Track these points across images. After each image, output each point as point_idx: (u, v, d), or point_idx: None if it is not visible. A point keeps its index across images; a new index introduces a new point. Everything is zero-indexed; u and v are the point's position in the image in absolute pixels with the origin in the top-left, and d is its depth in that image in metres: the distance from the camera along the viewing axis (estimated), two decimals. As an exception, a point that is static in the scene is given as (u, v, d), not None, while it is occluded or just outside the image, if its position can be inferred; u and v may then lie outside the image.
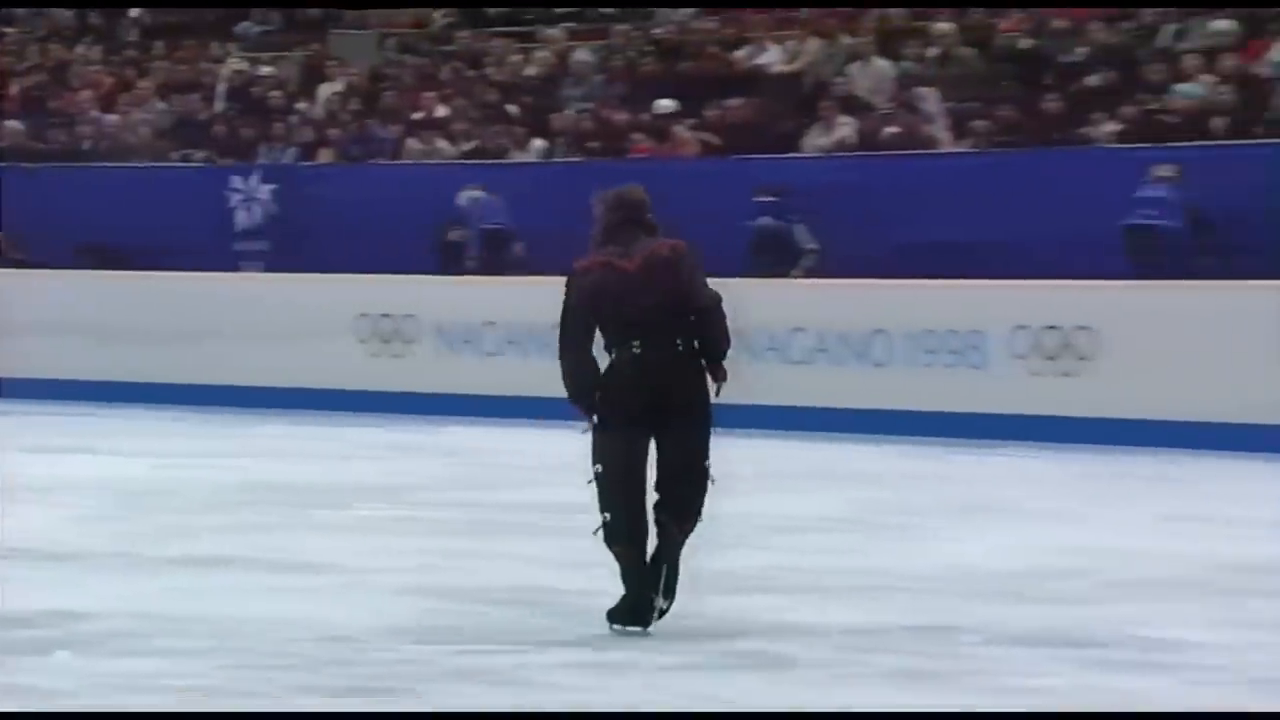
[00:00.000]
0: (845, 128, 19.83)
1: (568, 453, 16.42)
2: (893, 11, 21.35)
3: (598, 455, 9.15)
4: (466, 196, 20.38)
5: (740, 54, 21.76)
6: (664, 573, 9.03)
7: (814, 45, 21.19)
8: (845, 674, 8.55)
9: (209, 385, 19.84)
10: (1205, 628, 9.37)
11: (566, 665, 8.67)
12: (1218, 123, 17.84)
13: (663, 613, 9.01)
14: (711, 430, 9.20)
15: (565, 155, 21.29)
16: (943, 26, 20.52)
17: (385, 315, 19.87)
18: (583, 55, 22.73)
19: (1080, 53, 19.31)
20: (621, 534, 9.09)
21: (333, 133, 22.91)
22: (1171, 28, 19.15)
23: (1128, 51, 19.13)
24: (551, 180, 20.57)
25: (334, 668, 8.54)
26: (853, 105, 20.09)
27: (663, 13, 23.40)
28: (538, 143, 21.60)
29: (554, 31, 23.65)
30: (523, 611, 9.87)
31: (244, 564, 11.13)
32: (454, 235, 20.48)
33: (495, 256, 20.20)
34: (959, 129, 19.41)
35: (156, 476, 14.75)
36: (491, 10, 24.86)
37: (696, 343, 9.13)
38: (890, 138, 19.50)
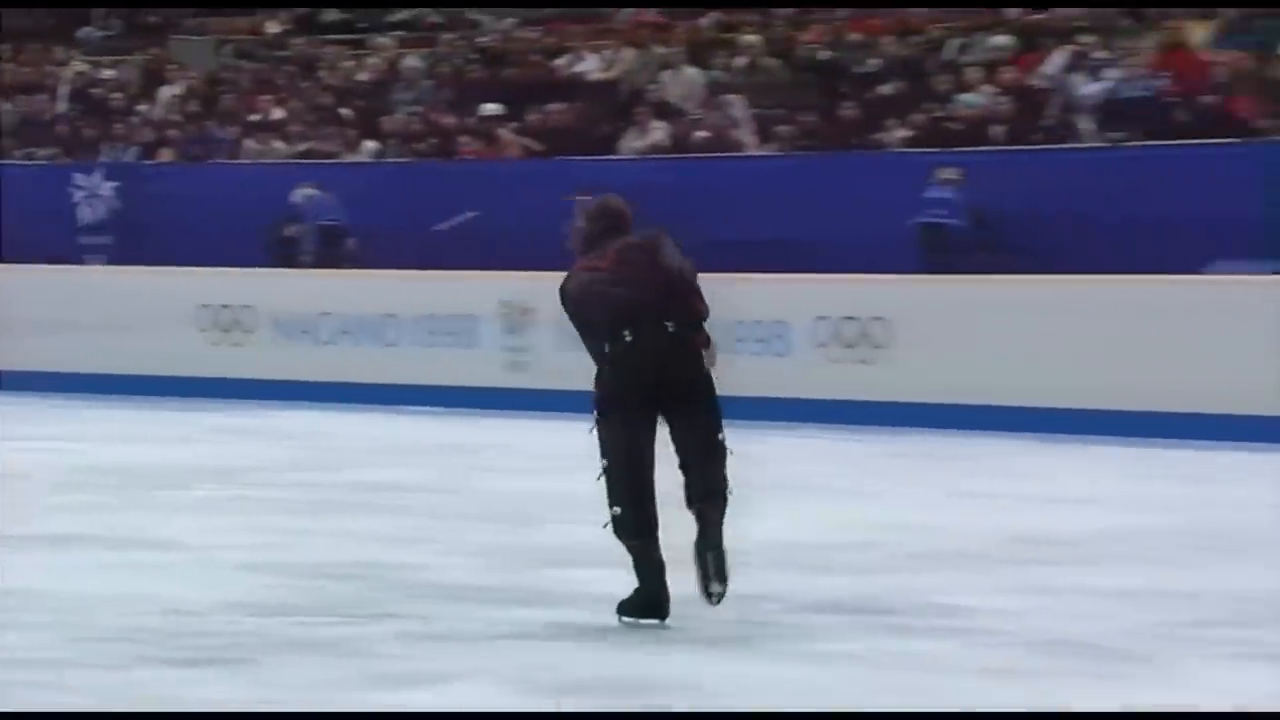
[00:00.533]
0: (658, 131, 19.87)
1: (398, 436, 16.50)
2: (703, 23, 21.43)
3: (604, 449, 8.77)
4: (301, 194, 20.23)
5: (560, 62, 21.75)
6: (711, 560, 8.66)
7: (629, 54, 21.22)
8: (662, 641, 8.54)
9: (55, 373, 19.55)
10: (990, 594, 9.47)
11: (397, 635, 8.60)
12: (997, 130, 18.03)
13: (721, 596, 8.64)
14: (718, 404, 8.93)
15: (396, 156, 21.20)
16: (749, 38, 20.62)
17: (224, 306, 19.67)
18: (412, 62, 22.63)
19: (874, 64, 19.45)
20: (630, 528, 8.75)
21: (172, 133, 22.69)
22: (956, 42, 19.34)
23: (917, 64, 19.28)
24: (383, 179, 20.54)
25: (177, 640, 8.43)
26: (665, 111, 20.13)
27: (488, 22, 23.39)
28: (369, 144, 21.50)
29: (384, 39, 23.53)
30: (357, 585, 9.79)
31: (88, 542, 10.95)
32: (289, 231, 20.32)
33: (330, 251, 20.06)
34: (764, 133, 19.48)
35: (3, 460, 14.50)
36: (325, 19, 24.70)
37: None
38: (700, 141, 19.57)
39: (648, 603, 8.71)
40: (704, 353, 8.83)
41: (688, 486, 8.80)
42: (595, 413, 8.78)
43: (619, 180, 18.81)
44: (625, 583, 9.39)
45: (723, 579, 8.63)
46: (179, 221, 20.29)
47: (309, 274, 19.89)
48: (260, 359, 19.28)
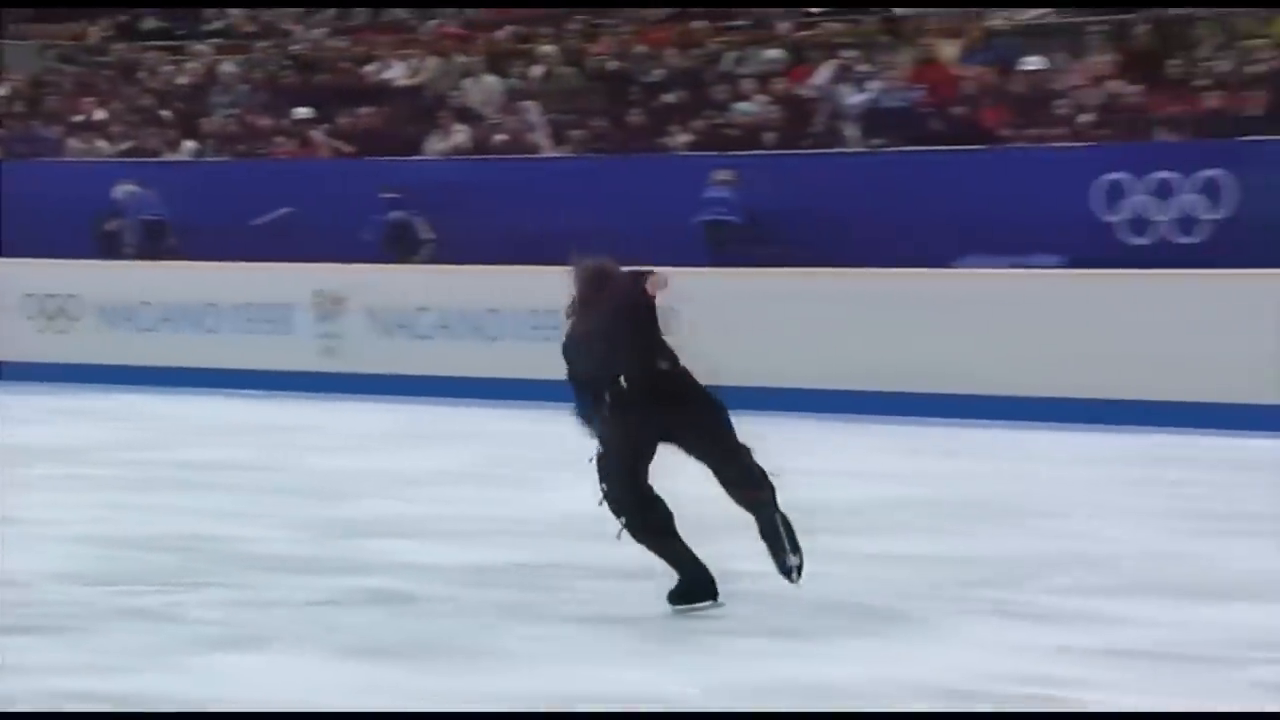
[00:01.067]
0: (460, 134, 19.88)
1: (220, 418, 16.38)
2: (501, 34, 21.46)
3: (601, 442, 8.51)
4: (123, 190, 20.02)
5: (369, 69, 21.69)
6: (778, 536, 8.42)
7: (433, 63, 21.20)
8: (460, 607, 8.60)
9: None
10: (751, 559, 9.59)
11: (220, 603, 8.61)
12: (770, 135, 18.25)
13: (799, 569, 8.35)
14: (717, 402, 8.71)
15: (214, 155, 21.05)
16: (545, 49, 20.67)
17: (50, 295, 19.43)
18: (229, 67, 22.45)
19: (658, 74, 19.58)
20: (640, 528, 8.48)
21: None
22: (733, 55, 19.53)
23: (697, 74, 19.45)
24: (202, 177, 20.38)
25: (7, 608, 8.38)
26: (467, 115, 20.15)
27: (300, 31, 23.25)
28: (189, 144, 21.33)
29: (202, 46, 23.29)
30: (183, 557, 9.77)
31: (-76, 518, 10.83)
32: (112, 225, 20.11)
33: (152, 244, 19.88)
34: (558, 137, 19.56)
35: None
36: (145, 25, 24.41)
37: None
38: (499, 143, 19.60)
39: (693, 588, 8.43)
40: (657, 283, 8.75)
41: (728, 489, 8.60)
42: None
43: (423, 179, 18.92)
44: (423, 553, 9.45)
45: (796, 550, 8.40)
46: (6, 216, 19.98)
47: (132, 265, 19.70)
48: (85, 344, 19.06)
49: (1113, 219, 16.00)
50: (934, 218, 16.21)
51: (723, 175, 17.33)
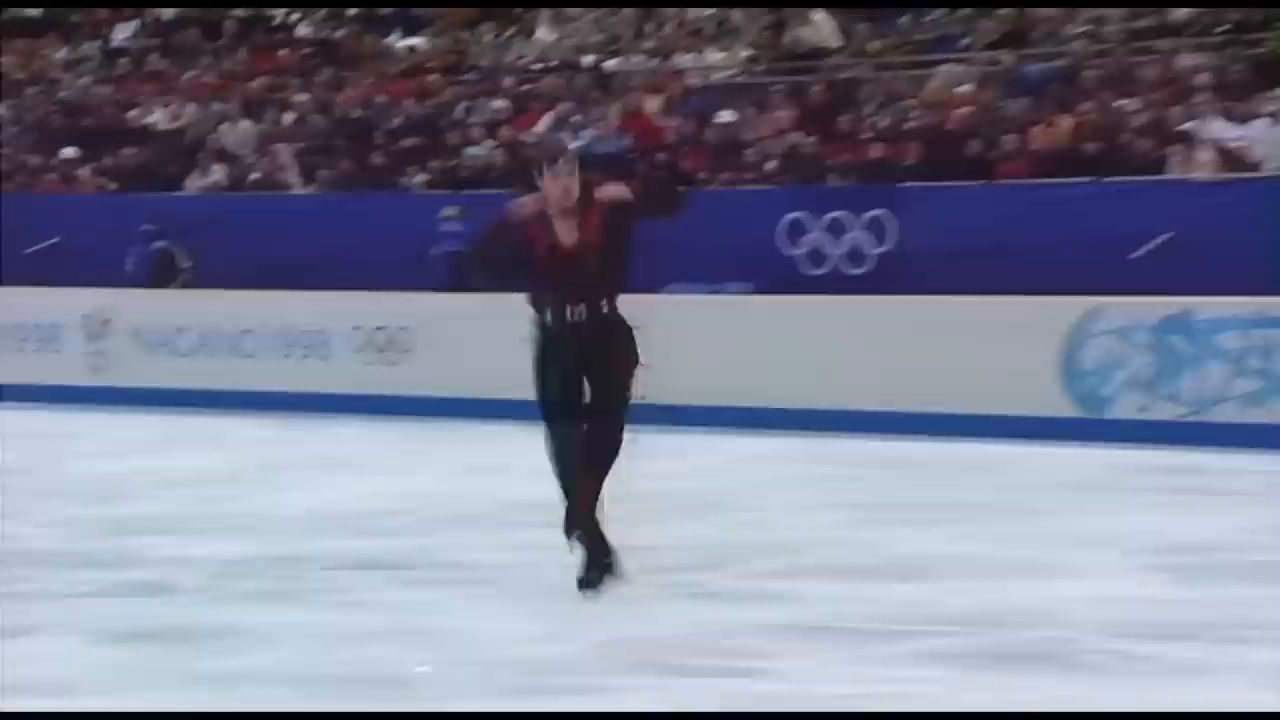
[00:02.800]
0: (218, 173, 19.55)
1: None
2: (255, 84, 21.17)
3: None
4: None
5: (133, 113, 21.24)
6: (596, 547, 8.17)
7: (192, 108, 20.84)
8: (215, 596, 8.42)
9: None
10: (493, 550, 9.56)
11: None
12: (497, 176, 18.20)
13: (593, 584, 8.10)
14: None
15: (-14, 192, 20.45)
16: (297, 97, 20.45)
17: None
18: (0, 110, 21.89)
19: (398, 121, 19.44)
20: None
21: None
22: (464, 105, 19.47)
23: (433, 121, 19.34)
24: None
25: None
26: (224, 156, 19.80)
27: (68, 79, 22.73)
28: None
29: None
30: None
31: None
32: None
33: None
34: (307, 176, 19.30)
35: None
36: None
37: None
38: (253, 181, 19.32)
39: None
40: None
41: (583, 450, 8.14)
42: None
43: (184, 213, 18.56)
44: (187, 546, 9.22)
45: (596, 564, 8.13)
46: None
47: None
48: None
49: (794, 252, 16.23)
50: (641, 249, 16.22)
51: (450, 211, 17.24)
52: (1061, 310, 13.79)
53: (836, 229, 16.11)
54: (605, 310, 7.99)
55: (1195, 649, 7.24)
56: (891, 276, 15.46)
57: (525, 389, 8.26)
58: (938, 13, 18.04)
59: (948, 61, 17.35)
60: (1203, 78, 15.57)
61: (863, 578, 8.83)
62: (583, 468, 8.01)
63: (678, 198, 8.37)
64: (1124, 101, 15.87)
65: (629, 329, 8.09)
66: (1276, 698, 6.54)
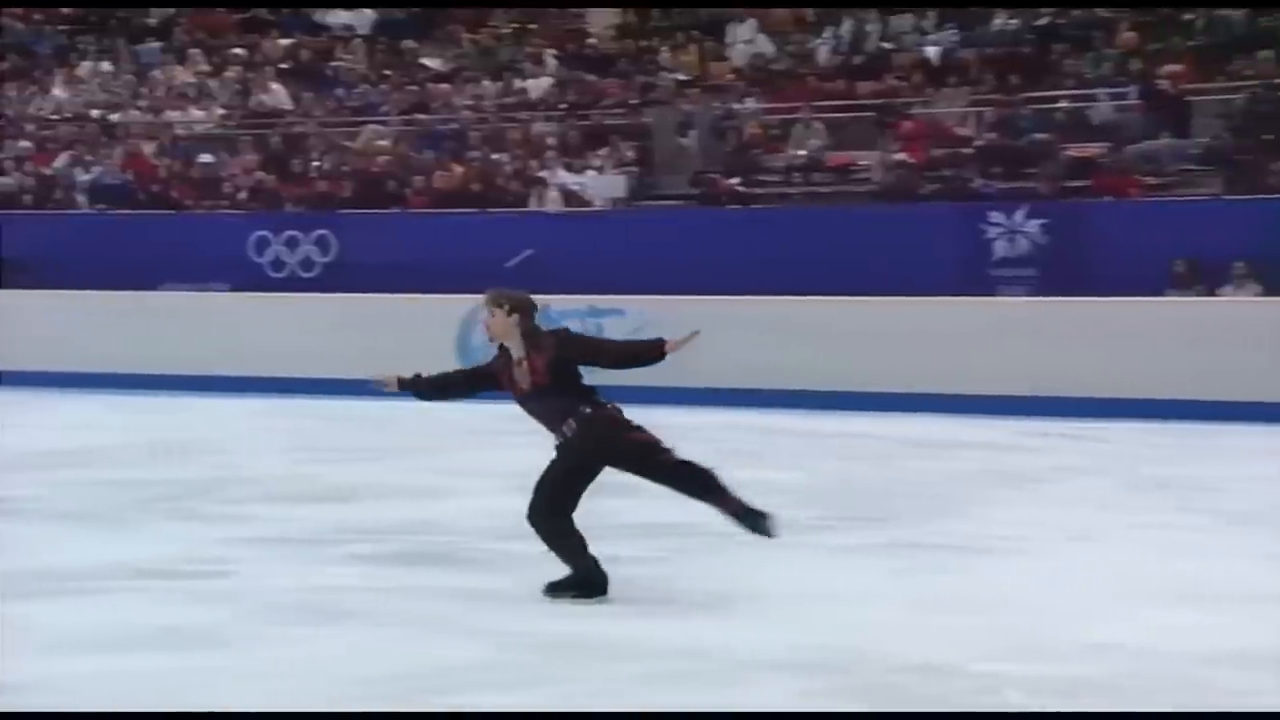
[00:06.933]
0: None
1: None
2: None
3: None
4: None
5: None
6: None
7: None
8: None
9: None
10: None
11: None
12: (27, 199, 17.13)
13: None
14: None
15: None
16: None
17: None
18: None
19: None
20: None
21: None
22: (-4, 143, 18.23)
23: None
24: None
25: None
26: None
27: None
28: None
29: None
30: None
31: None
32: None
33: None
34: None
35: None
36: None
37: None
38: None
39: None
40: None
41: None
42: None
43: None
44: None
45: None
46: None
47: None
48: None
49: (261, 260, 16.07)
50: (139, 254, 15.70)
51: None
52: (457, 305, 14.17)
53: (292, 244, 16.05)
54: (589, 412, 6.29)
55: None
56: (335, 280, 15.55)
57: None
58: (363, 87, 18.18)
59: (373, 122, 17.51)
60: (551, 140, 16.28)
61: (303, 501, 8.78)
62: (706, 492, 6.33)
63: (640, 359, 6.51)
64: (498, 155, 16.43)
65: (614, 414, 6.35)
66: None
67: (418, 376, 6.70)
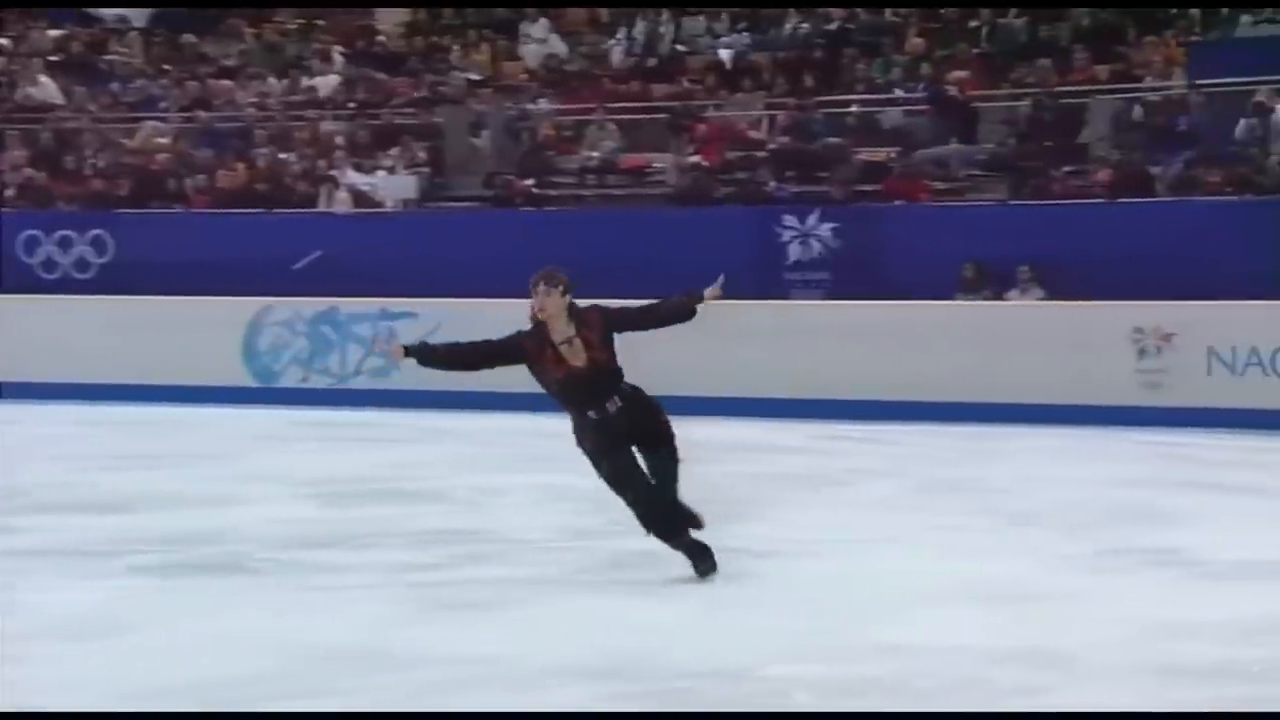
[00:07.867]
0: None
1: None
2: None
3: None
4: None
5: None
6: None
7: None
8: None
9: None
10: None
11: None
12: None
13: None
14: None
15: None
16: None
17: None
18: None
19: None
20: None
21: None
22: None
23: None
24: None
25: None
26: None
27: None
28: None
29: None
30: None
31: None
32: None
33: None
34: None
35: None
36: None
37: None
38: None
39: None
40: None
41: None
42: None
43: None
44: None
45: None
46: None
47: None
48: None
49: (31, 261, 15.46)
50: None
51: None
52: (243, 307, 13.92)
53: (66, 244, 15.48)
54: (629, 391, 6.52)
55: (332, 553, 7.48)
56: (112, 281, 15.04)
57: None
58: (140, 81, 17.62)
59: (151, 118, 16.98)
60: (340, 139, 16.06)
61: (77, 511, 8.54)
62: (670, 491, 6.59)
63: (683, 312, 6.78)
64: (285, 154, 16.12)
65: (642, 394, 6.60)
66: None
67: (424, 344, 6.72)
